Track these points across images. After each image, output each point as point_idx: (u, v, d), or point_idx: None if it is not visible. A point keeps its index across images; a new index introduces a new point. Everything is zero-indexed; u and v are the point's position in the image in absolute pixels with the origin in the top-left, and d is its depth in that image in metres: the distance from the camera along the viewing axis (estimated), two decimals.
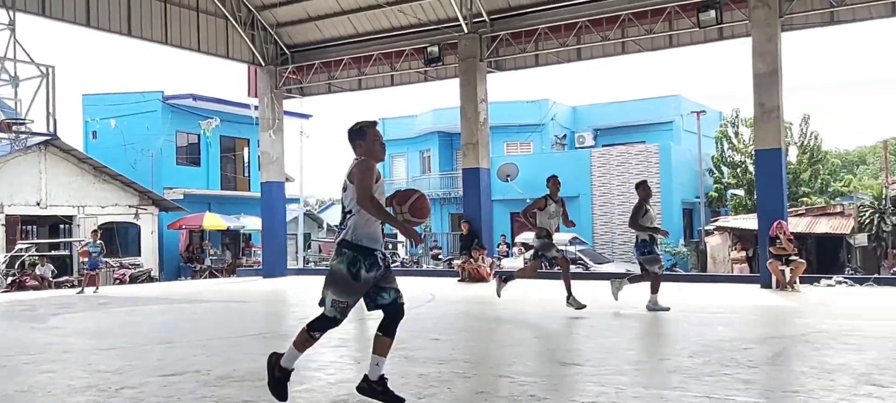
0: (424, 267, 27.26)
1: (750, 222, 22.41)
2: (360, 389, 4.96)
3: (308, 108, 32.15)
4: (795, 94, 52.20)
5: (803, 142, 32.46)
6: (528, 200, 30.75)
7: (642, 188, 10.65)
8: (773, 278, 13.92)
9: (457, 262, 19.25)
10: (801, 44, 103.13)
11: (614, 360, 6.68)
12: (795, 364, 6.31)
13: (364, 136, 4.89)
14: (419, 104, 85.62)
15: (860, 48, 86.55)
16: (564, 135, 35.83)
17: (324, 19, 20.75)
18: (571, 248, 25.09)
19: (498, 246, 26.44)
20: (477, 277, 17.24)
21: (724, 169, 32.50)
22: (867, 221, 24.58)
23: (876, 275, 16.96)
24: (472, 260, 17.57)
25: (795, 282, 13.72)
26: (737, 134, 32.29)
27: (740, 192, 31.06)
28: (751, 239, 22.44)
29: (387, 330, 4.88)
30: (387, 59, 20.61)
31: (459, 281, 17.42)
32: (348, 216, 4.75)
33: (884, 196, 25.41)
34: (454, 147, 34.66)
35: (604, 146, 33.66)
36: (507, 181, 31.08)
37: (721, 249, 25.82)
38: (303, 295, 15.28)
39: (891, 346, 7.03)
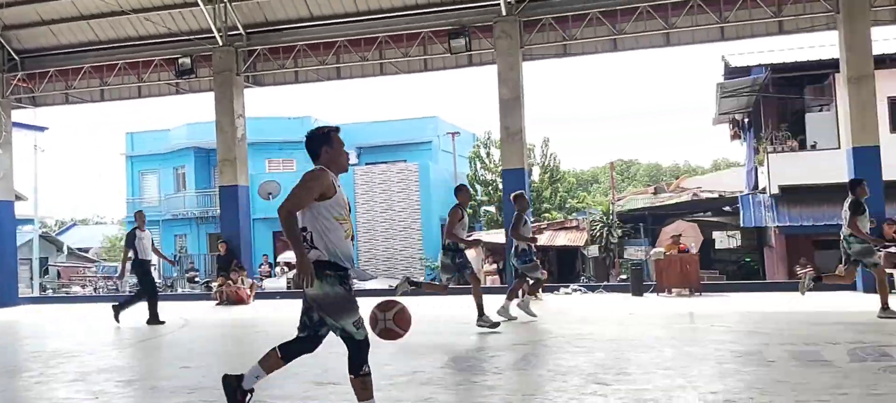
0: (180, 290, 25.78)
1: (500, 237, 23.94)
2: (225, 380, 4.75)
3: (43, 120, 29.06)
4: (537, 123, 56.98)
5: (545, 162, 35.40)
6: None
7: (520, 200, 10.86)
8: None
9: (214, 285, 18.43)
10: (543, 78, 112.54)
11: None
12: (535, 368, 6.82)
13: (331, 142, 4.53)
14: (172, 118, 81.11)
15: (591, 87, 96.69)
16: None
17: (59, 23, 18.97)
18: None
19: (259, 267, 25.76)
20: (236, 300, 16.63)
21: (478, 187, 34.43)
22: (598, 234, 27.36)
23: (605, 283, 18.93)
24: (230, 282, 16.93)
25: (538, 292, 14.87)
26: (488, 154, 34.39)
27: (492, 209, 33.09)
28: (501, 253, 23.97)
29: (288, 354, 4.65)
30: (133, 68, 19.34)
31: (217, 304, 16.70)
32: (304, 232, 4.42)
33: (611, 211, 28.47)
34: (211, 163, 33.25)
35: (367, 164, 34.16)
36: (269, 199, 30.40)
37: (476, 262, 27.26)
38: (36, 326, 13.74)
39: (614, 347, 7.85)
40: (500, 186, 31.12)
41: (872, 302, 12.32)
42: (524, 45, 16.39)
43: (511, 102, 16.11)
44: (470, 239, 9.69)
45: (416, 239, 30.37)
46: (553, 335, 9.08)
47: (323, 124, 4.89)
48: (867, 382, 5.53)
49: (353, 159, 34.24)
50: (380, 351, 8.36)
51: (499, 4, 16.13)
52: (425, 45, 17.47)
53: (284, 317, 12.38)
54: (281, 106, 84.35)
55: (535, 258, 11.00)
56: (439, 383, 6.16)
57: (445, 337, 9.32)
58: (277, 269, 26.87)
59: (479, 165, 34.56)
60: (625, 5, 16.04)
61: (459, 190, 10.10)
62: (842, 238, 10.04)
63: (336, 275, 4.40)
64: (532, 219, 24.27)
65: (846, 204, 9.92)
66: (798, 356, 6.83)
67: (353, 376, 4.43)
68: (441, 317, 11.76)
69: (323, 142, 4.54)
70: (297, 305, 4.82)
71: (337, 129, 4.61)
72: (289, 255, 27.10)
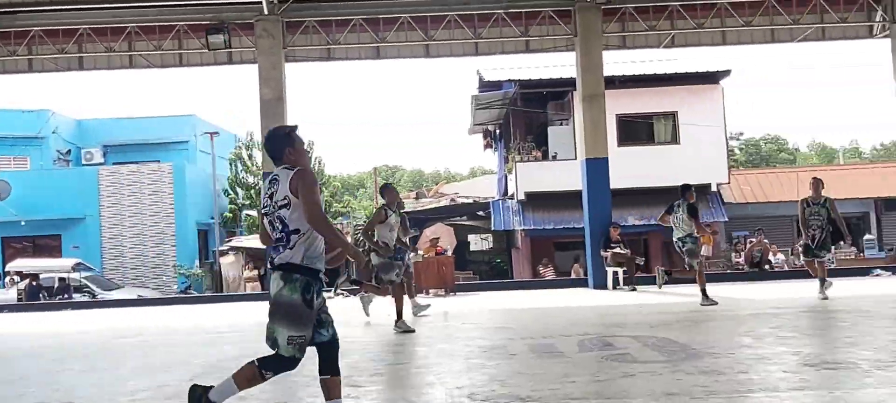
0: None
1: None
2: None
3: None
4: (303, 125, 56.40)
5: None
6: (22, 223, 27.31)
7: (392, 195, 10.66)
8: None
9: None
10: (309, 80, 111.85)
11: (110, 393, 6.29)
12: (289, 375, 6.65)
13: (294, 143, 4.32)
14: None
15: (359, 92, 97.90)
16: (69, 151, 32.68)
17: None
18: (75, 275, 23.01)
19: None
20: None
21: (239, 190, 33.31)
22: (361, 240, 27.68)
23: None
24: None
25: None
26: (250, 157, 33.40)
27: (254, 213, 32.20)
28: (262, 259, 23.42)
29: (330, 368, 4.35)
30: None
31: None
32: (294, 236, 4.14)
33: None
34: None
35: (114, 164, 31.60)
36: None
37: (235, 269, 26.38)
38: None
39: (371, 349, 8.00)
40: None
41: (601, 296, 13.74)
42: (287, 46, 16.16)
43: (273, 103, 15.79)
44: (380, 242, 9.51)
45: (169, 246, 28.61)
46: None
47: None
48: (592, 370, 6.14)
49: (97, 158, 31.61)
50: (123, 367, 7.79)
51: (260, 2, 15.72)
52: (180, 38, 16.57)
53: (14, 331, 11.09)
54: (14, 97, 75.48)
55: (397, 261, 11.04)
56: (186, 396, 5.86)
57: (197, 348, 8.90)
58: (6, 279, 23.99)
59: (240, 167, 33.45)
60: (387, 14, 16.41)
61: (385, 189, 10.02)
62: (676, 239, 11.02)
63: (302, 281, 4.17)
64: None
65: (682, 209, 10.83)
66: (536, 348, 7.41)
67: (256, 364, 4.29)
68: (193, 326, 11.22)
69: (286, 144, 4.35)
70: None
71: (296, 128, 4.45)
72: (20, 263, 24.33)
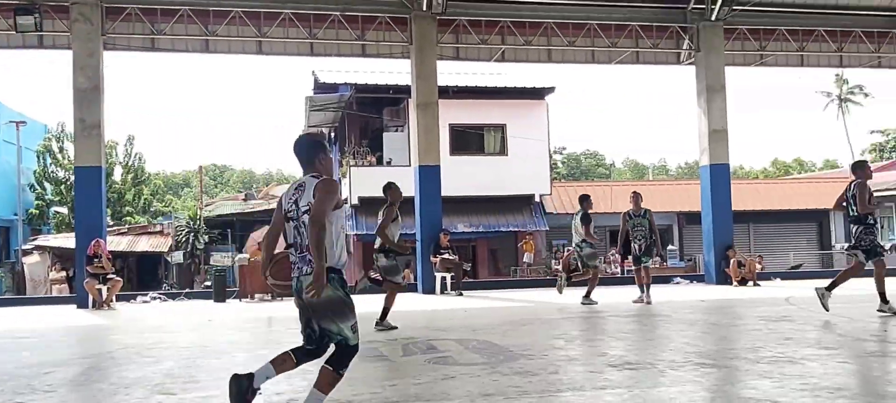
0: None
1: (70, 241, 21.72)
2: (236, 379, 4.49)
3: None
4: (126, 117, 53.12)
5: (128, 162, 33.08)
6: None
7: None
8: (90, 297, 13.77)
9: None
10: (129, 66, 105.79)
11: None
12: (95, 383, 6.30)
13: (326, 151, 4.48)
14: None
15: (182, 80, 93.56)
16: None
17: None
18: None
19: None
20: None
21: (48, 185, 30.77)
22: (183, 240, 26.47)
23: (188, 290, 18.36)
24: None
25: (112, 300, 13.84)
26: (61, 149, 30.97)
27: (64, 210, 29.86)
28: (71, 258, 21.75)
29: (300, 360, 4.68)
30: None
31: None
32: None
33: (198, 216, 27.76)
34: None
35: None
36: None
37: (40, 270, 24.34)
38: None
39: (186, 355, 7.63)
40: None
41: (430, 301, 14.03)
42: (106, 33, 15.15)
43: (89, 93, 14.73)
44: (404, 243, 9.04)
45: None
46: (122, 346, 8.50)
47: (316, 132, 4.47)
48: (413, 373, 6.23)
49: None
50: None
51: None
52: None
53: None
54: None
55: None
56: None
57: None
58: None
59: (49, 160, 30.89)
60: (217, 7, 15.82)
61: (389, 187, 9.39)
62: (574, 244, 12.12)
63: (339, 279, 4.42)
64: (111, 223, 22.43)
65: (578, 218, 11.93)
66: (361, 353, 7.39)
67: (330, 368, 4.49)
68: None
69: (320, 150, 4.51)
70: None
71: (325, 136, 4.20)
72: None
